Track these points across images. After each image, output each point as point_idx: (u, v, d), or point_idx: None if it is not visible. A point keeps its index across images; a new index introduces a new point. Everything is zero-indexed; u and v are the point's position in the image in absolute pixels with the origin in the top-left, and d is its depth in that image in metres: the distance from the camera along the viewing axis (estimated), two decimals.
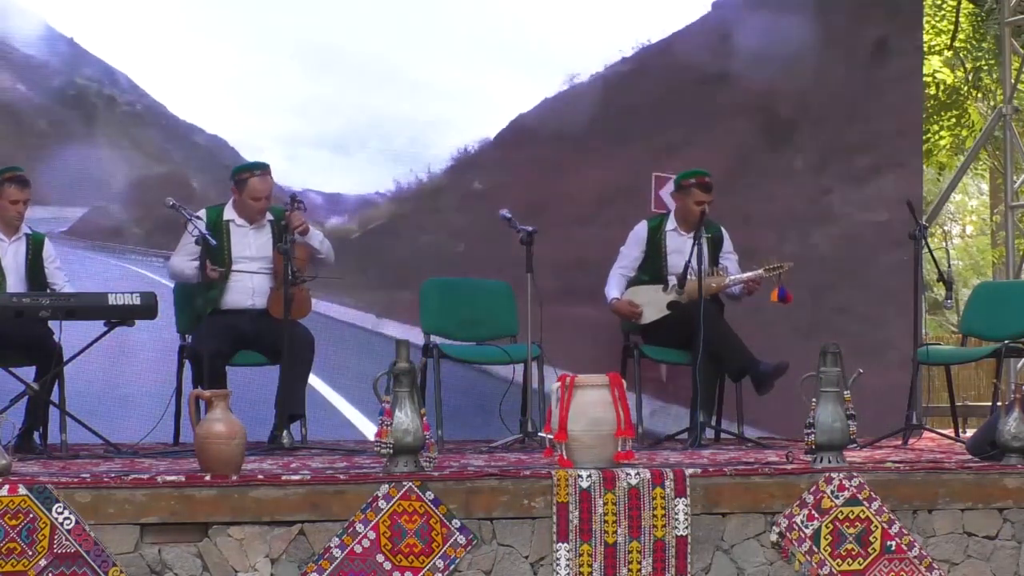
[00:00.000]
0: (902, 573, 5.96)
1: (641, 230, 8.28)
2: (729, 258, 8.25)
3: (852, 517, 5.95)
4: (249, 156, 8.54)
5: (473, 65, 9.15)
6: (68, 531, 5.37)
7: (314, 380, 7.93)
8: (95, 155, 8.72)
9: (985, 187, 24.87)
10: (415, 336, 7.93)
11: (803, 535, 5.92)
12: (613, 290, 8.20)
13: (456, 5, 9.17)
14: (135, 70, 8.80)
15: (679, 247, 7.97)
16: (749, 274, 8.06)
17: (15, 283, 7.39)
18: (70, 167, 8.63)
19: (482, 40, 9.14)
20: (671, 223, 8.22)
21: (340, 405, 8.65)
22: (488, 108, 9.20)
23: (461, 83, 9.14)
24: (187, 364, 7.53)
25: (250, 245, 7.61)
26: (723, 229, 8.31)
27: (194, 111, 8.89)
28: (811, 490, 5.95)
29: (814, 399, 6.14)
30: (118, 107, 8.84)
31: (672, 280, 7.90)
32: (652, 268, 8.18)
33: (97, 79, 8.78)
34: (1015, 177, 11.67)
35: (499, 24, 9.18)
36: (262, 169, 7.63)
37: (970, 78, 17.15)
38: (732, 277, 8.05)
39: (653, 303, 8.04)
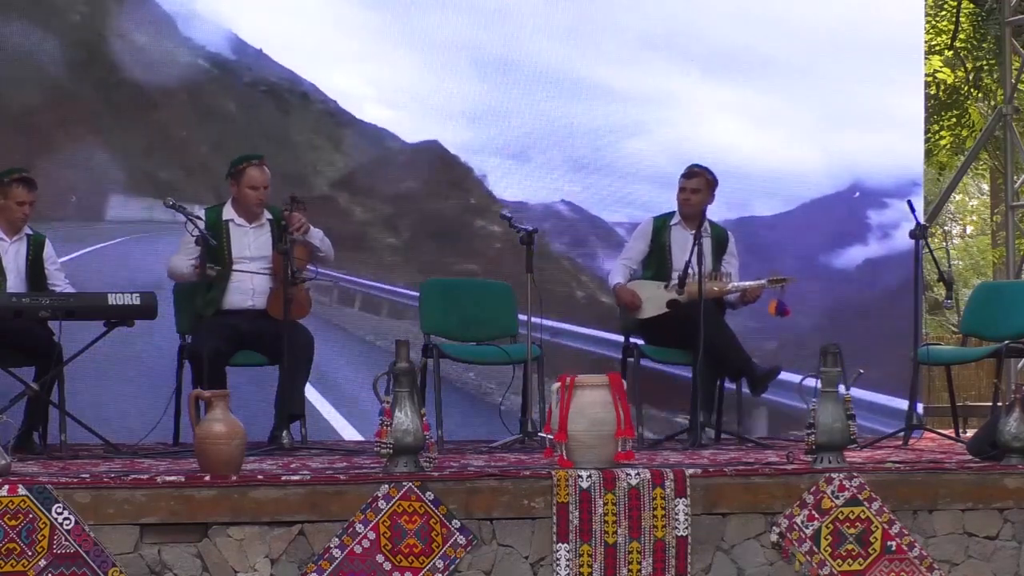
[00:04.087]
0: (902, 573, 5.95)
1: (647, 225, 8.30)
2: (731, 262, 8.23)
3: (852, 517, 5.95)
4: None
5: (656, 70, 9.16)
6: (68, 531, 5.37)
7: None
8: (283, 154, 8.48)
9: (985, 187, 24.86)
10: None
11: (803, 535, 5.92)
12: (617, 276, 8.22)
13: (635, 10, 9.12)
14: (322, 79, 8.73)
15: (683, 242, 7.97)
16: (752, 283, 8.03)
17: (15, 283, 7.38)
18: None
19: (662, 44, 9.15)
20: (676, 218, 8.24)
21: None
22: (673, 113, 9.21)
23: (645, 89, 9.14)
24: (187, 364, 7.51)
25: (249, 245, 7.60)
26: (729, 232, 8.31)
27: (381, 118, 8.84)
28: (811, 490, 5.94)
29: (814, 399, 6.14)
30: (312, 104, 8.70)
31: (674, 278, 7.89)
32: (656, 263, 8.19)
33: (288, 79, 8.64)
34: (1015, 177, 11.66)
35: (679, 28, 9.16)
36: (259, 159, 7.62)
37: (970, 78, 17.13)
38: (734, 284, 8.03)
39: (654, 299, 8.02)
